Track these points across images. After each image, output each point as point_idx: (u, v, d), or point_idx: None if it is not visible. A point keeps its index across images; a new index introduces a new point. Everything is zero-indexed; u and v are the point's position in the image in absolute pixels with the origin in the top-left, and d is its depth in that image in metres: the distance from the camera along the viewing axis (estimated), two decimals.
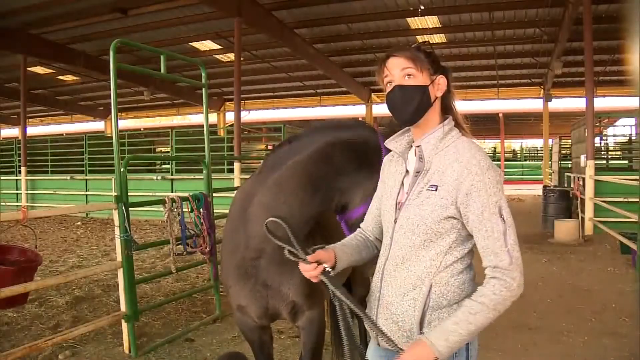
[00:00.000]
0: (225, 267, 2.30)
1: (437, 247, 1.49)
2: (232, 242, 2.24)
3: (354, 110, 25.17)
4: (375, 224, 1.73)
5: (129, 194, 3.87)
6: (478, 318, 1.39)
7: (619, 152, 14.79)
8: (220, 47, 16.06)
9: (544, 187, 11.32)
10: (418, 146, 1.55)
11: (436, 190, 1.46)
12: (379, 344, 1.61)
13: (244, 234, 2.14)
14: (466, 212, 1.44)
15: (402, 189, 1.58)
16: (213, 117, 25.32)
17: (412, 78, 1.51)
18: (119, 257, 3.85)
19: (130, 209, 3.82)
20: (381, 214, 1.67)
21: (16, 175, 15.71)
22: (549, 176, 18.58)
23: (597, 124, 11.14)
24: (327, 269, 1.54)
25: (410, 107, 1.51)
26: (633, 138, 12.94)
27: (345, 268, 1.67)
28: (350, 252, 1.67)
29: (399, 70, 1.52)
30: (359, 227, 1.79)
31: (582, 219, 9.13)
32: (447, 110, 1.59)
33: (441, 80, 1.55)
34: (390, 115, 1.59)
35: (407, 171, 1.59)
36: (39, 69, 18.21)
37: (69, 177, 14.64)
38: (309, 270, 1.52)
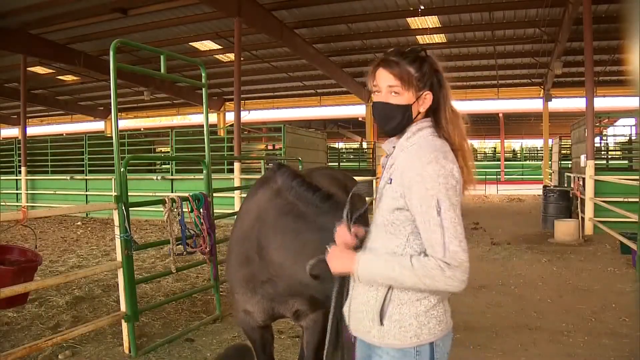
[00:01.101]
0: (233, 273, 2.32)
1: (396, 239, 1.54)
2: (242, 250, 2.27)
3: (354, 110, 25.22)
4: None
5: (129, 194, 3.87)
6: (403, 272, 1.45)
7: (619, 152, 14.79)
8: (220, 47, 16.07)
9: (544, 187, 11.31)
10: (394, 146, 1.64)
11: (391, 183, 1.55)
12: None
13: (258, 256, 2.19)
14: (410, 205, 1.50)
15: None
16: (213, 117, 25.32)
17: (397, 96, 1.56)
18: (119, 257, 3.85)
19: (130, 209, 3.82)
20: None
21: (16, 175, 15.71)
22: (549, 176, 18.59)
23: (597, 124, 11.13)
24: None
25: (391, 123, 1.59)
26: (633, 138, 12.95)
27: None
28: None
29: (385, 85, 1.57)
30: None
31: (582, 219, 9.13)
32: (436, 117, 1.61)
33: (427, 97, 1.57)
34: None
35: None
36: (39, 69, 18.22)
37: (69, 177, 14.64)
38: (347, 241, 1.63)
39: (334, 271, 1.60)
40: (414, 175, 1.47)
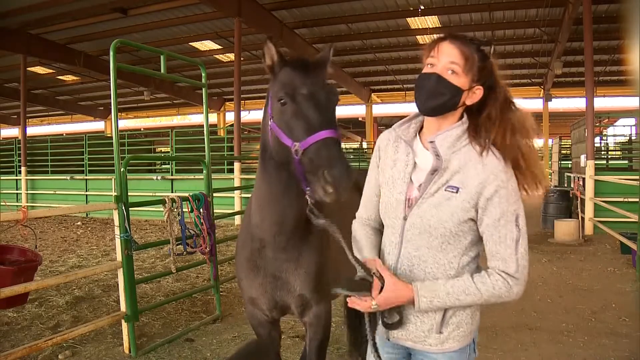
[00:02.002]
0: (238, 261, 2.34)
1: (454, 250, 1.48)
2: (242, 236, 2.31)
3: (354, 110, 25.16)
4: (377, 211, 1.67)
5: (129, 194, 3.87)
6: (468, 299, 1.43)
7: (619, 152, 14.80)
8: (220, 47, 16.07)
9: None
10: (431, 142, 1.49)
11: (457, 192, 1.44)
12: (388, 339, 1.61)
13: (248, 226, 2.22)
14: (482, 215, 1.44)
15: (412, 184, 1.53)
16: (213, 117, 25.32)
17: (454, 75, 1.44)
18: (119, 257, 3.85)
19: (130, 209, 3.82)
20: (381, 204, 1.62)
21: (16, 175, 15.72)
22: (549, 176, 18.58)
23: (597, 124, 11.14)
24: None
25: (435, 101, 1.45)
26: (633, 138, 12.95)
27: None
28: (377, 251, 1.65)
29: (447, 60, 1.44)
30: (359, 217, 1.75)
31: (582, 219, 9.13)
32: (479, 115, 1.51)
33: (477, 91, 1.47)
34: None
35: (415, 164, 1.54)
36: (39, 69, 18.22)
37: (69, 177, 14.64)
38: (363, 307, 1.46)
39: (385, 305, 1.44)
40: (499, 188, 1.41)
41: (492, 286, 1.42)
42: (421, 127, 1.59)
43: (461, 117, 1.51)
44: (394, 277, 1.44)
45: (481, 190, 1.42)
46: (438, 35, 1.53)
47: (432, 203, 1.46)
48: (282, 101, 1.77)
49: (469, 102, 1.48)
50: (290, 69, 1.83)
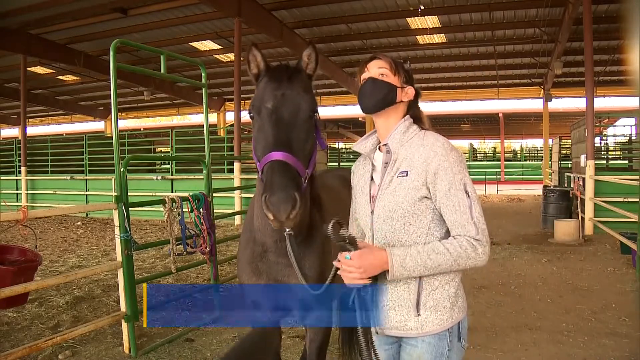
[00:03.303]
0: (240, 262, 2.32)
1: (417, 230, 1.59)
2: (244, 237, 2.29)
3: (354, 110, 25.15)
4: (360, 231, 1.82)
5: (129, 194, 3.87)
6: (438, 258, 1.51)
7: (619, 152, 14.80)
8: (220, 47, 16.07)
9: (544, 187, 11.32)
10: (385, 144, 1.68)
11: (407, 175, 1.59)
12: (376, 332, 1.67)
13: (250, 228, 2.20)
14: (434, 190, 1.56)
15: (373, 184, 1.70)
16: (213, 117, 25.32)
17: (385, 77, 1.66)
18: (119, 257, 3.85)
19: (130, 209, 3.82)
20: (357, 214, 1.77)
21: (16, 175, 15.72)
22: (549, 176, 18.58)
23: (597, 124, 11.13)
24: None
25: (375, 97, 1.65)
26: (633, 138, 12.95)
27: None
28: None
29: (376, 68, 1.68)
30: None
31: (582, 219, 9.13)
32: (414, 118, 1.72)
33: (409, 91, 1.70)
34: None
35: (373, 167, 1.72)
36: (39, 69, 18.22)
37: (69, 177, 14.65)
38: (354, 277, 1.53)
39: (365, 274, 1.49)
40: (441, 162, 1.55)
41: (458, 245, 1.51)
42: (379, 142, 1.75)
43: (404, 116, 1.70)
44: (368, 246, 1.55)
45: (426, 167, 1.56)
46: (365, 59, 1.75)
47: (389, 191, 1.61)
48: (250, 114, 1.78)
49: (405, 99, 1.69)
50: (264, 80, 1.82)
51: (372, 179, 1.72)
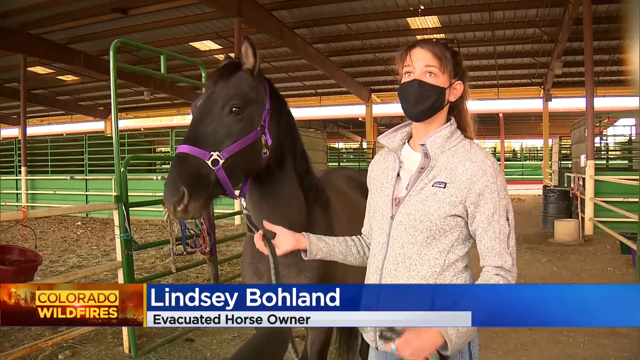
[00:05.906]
0: (242, 263, 2.32)
1: (440, 245, 1.47)
2: (246, 237, 2.30)
3: (354, 110, 25.18)
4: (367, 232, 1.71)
5: (129, 194, 3.87)
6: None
7: (619, 152, 14.78)
8: (220, 47, 16.06)
9: (544, 187, 11.32)
10: (422, 144, 1.53)
11: (445, 187, 1.45)
12: (377, 348, 1.55)
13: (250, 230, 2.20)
14: (474, 211, 1.45)
15: (399, 185, 1.55)
16: None
17: (433, 77, 1.48)
18: (119, 257, 3.85)
19: (130, 209, 3.82)
20: (372, 211, 1.62)
21: (16, 175, 15.71)
22: (549, 176, 18.58)
23: (597, 124, 11.13)
24: (266, 235, 1.67)
25: (422, 105, 1.49)
26: (633, 138, 12.94)
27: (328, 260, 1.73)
28: (335, 246, 1.67)
29: (422, 65, 1.49)
30: (361, 232, 1.77)
31: (582, 219, 9.12)
32: (456, 113, 1.58)
33: (458, 86, 1.53)
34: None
35: (400, 167, 1.57)
36: (39, 69, 18.21)
37: (69, 177, 14.63)
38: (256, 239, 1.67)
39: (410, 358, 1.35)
40: (489, 183, 1.44)
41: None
42: (409, 137, 1.62)
43: (448, 119, 1.56)
44: (417, 330, 1.35)
45: (470, 185, 1.44)
46: (406, 45, 1.56)
47: (419, 199, 1.48)
48: None
49: (452, 99, 1.54)
50: None
51: (397, 179, 1.57)
